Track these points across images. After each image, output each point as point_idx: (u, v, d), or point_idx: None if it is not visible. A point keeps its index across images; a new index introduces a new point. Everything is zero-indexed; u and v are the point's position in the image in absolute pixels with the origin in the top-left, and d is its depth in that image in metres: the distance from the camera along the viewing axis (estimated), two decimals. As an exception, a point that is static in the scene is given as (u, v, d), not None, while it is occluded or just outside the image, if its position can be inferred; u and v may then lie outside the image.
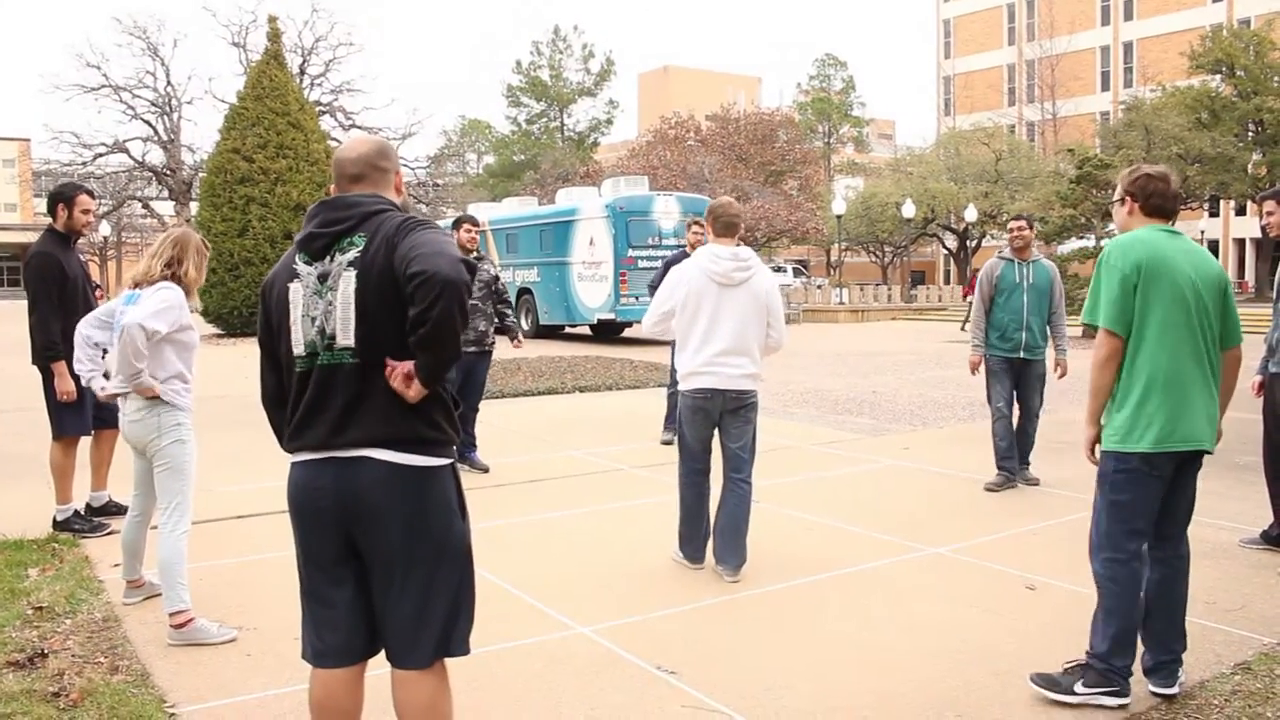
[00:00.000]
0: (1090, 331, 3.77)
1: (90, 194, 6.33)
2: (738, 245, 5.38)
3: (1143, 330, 3.64)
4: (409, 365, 2.57)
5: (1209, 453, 3.76)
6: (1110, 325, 3.64)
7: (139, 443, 4.64)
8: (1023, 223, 7.50)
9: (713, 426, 5.40)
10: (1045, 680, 3.75)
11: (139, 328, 4.38)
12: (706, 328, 5.25)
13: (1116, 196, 3.94)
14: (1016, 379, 7.48)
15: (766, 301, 5.34)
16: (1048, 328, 7.47)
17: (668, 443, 9.24)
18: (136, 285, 4.62)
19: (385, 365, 2.60)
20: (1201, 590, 4.91)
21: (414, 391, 2.58)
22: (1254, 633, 4.43)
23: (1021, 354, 7.38)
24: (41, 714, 3.60)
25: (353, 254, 2.62)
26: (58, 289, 6.04)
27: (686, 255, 8.64)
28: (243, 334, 24.75)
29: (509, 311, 8.46)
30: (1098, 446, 3.77)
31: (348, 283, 2.61)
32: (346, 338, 2.61)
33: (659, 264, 9.50)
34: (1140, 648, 3.78)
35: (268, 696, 3.82)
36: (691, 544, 5.50)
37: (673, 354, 9.28)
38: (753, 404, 5.38)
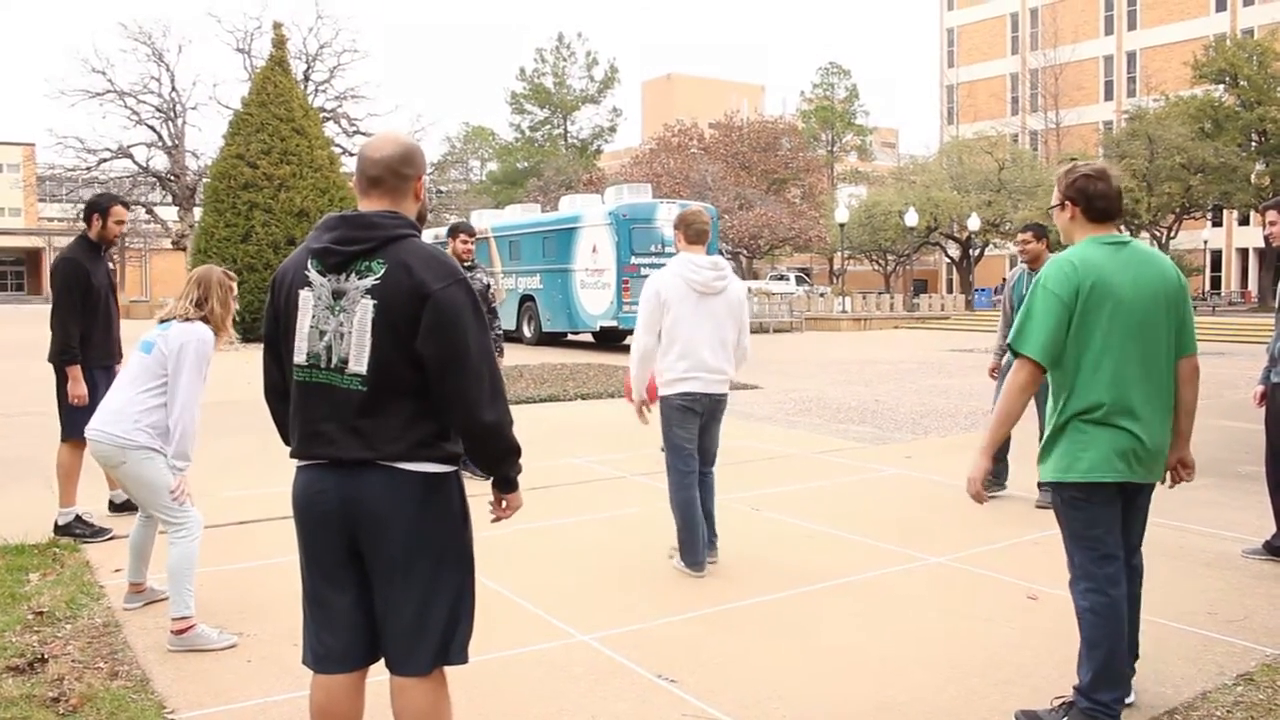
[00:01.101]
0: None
1: (125, 205, 6.54)
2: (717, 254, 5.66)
3: (1080, 358, 3.42)
4: (500, 503, 2.86)
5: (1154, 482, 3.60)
6: (1036, 355, 3.39)
7: (105, 462, 4.61)
8: (1028, 234, 7.37)
9: (698, 425, 5.58)
10: (1029, 718, 3.63)
11: (184, 419, 4.42)
12: (689, 334, 5.43)
13: (1055, 201, 3.65)
14: None
15: (740, 309, 5.61)
16: None
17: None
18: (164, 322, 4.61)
19: (395, 393, 2.61)
20: (1204, 601, 4.90)
21: (515, 506, 2.88)
22: (1257, 643, 4.42)
23: None
24: (41, 719, 3.59)
25: (371, 280, 2.60)
26: (81, 295, 6.18)
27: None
28: (246, 340, 24.74)
29: (496, 321, 8.42)
30: (984, 480, 3.54)
31: (365, 311, 2.60)
32: (359, 365, 2.61)
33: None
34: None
35: (268, 703, 3.81)
36: (693, 551, 5.50)
37: None
38: (725, 404, 5.70)
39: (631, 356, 5.65)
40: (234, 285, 4.75)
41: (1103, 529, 3.50)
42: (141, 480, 4.48)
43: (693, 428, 5.55)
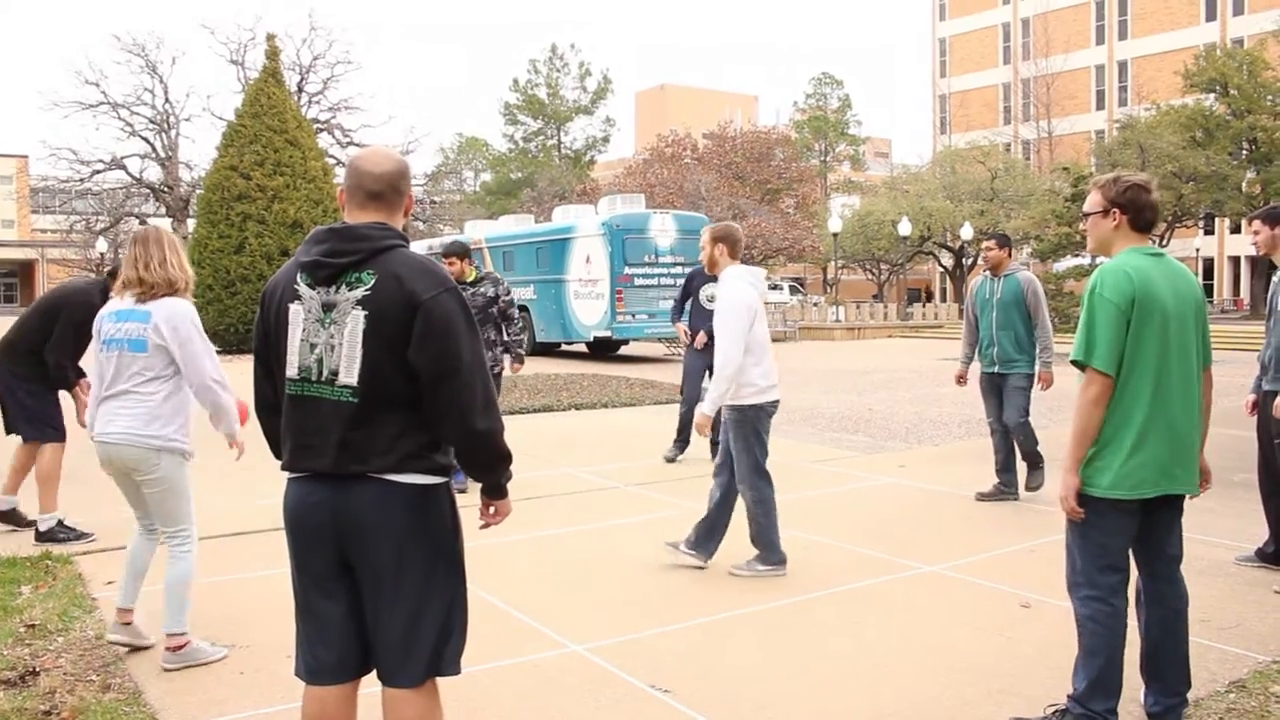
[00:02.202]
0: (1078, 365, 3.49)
1: None
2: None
3: (1130, 368, 3.40)
4: (489, 509, 2.88)
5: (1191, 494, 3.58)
6: (1104, 366, 3.38)
7: (127, 465, 4.31)
8: (991, 242, 7.71)
9: None
10: None
11: (216, 389, 4.34)
12: (764, 344, 5.61)
13: (1097, 208, 3.60)
14: (999, 393, 7.59)
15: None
16: (1034, 339, 7.47)
17: (671, 460, 9.33)
18: (141, 299, 4.30)
19: (386, 405, 2.62)
20: (1197, 608, 4.88)
21: (504, 513, 2.90)
22: (1249, 650, 4.43)
23: (997, 368, 7.53)
24: (32, 733, 3.58)
25: (361, 291, 2.61)
26: (75, 330, 6.01)
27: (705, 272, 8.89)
28: (239, 351, 24.73)
29: (511, 330, 8.32)
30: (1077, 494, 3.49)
31: (356, 322, 2.60)
32: (350, 377, 2.62)
33: (656, 281, 9.35)
34: (1142, 689, 3.68)
35: (259, 715, 3.81)
36: (778, 548, 5.68)
37: (687, 374, 9.29)
38: None
39: (728, 374, 5.43)
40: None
41: (1118, 539, 3.49)
42: (170, 486, 4.32)
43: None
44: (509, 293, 8.38)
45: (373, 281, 2.61)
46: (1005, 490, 7.58)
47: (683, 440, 9.38)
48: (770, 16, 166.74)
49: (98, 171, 42.29)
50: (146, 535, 4.57)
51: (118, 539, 5.95)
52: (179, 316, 4.28)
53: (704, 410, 5.55)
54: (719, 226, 5.90)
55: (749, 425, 5.58)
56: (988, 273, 7.71)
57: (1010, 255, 7.67)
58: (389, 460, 2.62)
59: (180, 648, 4.26)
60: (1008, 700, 3.90)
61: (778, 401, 5.71)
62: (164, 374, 4.31)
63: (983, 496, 7.59)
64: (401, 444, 2.63)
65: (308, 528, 2.70)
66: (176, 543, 4.35)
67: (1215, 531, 6.39)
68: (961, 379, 8.02)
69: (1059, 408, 12.05)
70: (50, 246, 58.14)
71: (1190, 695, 3.85)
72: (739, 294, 5.54)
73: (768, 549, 5.66)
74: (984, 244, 7.83)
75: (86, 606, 5.03)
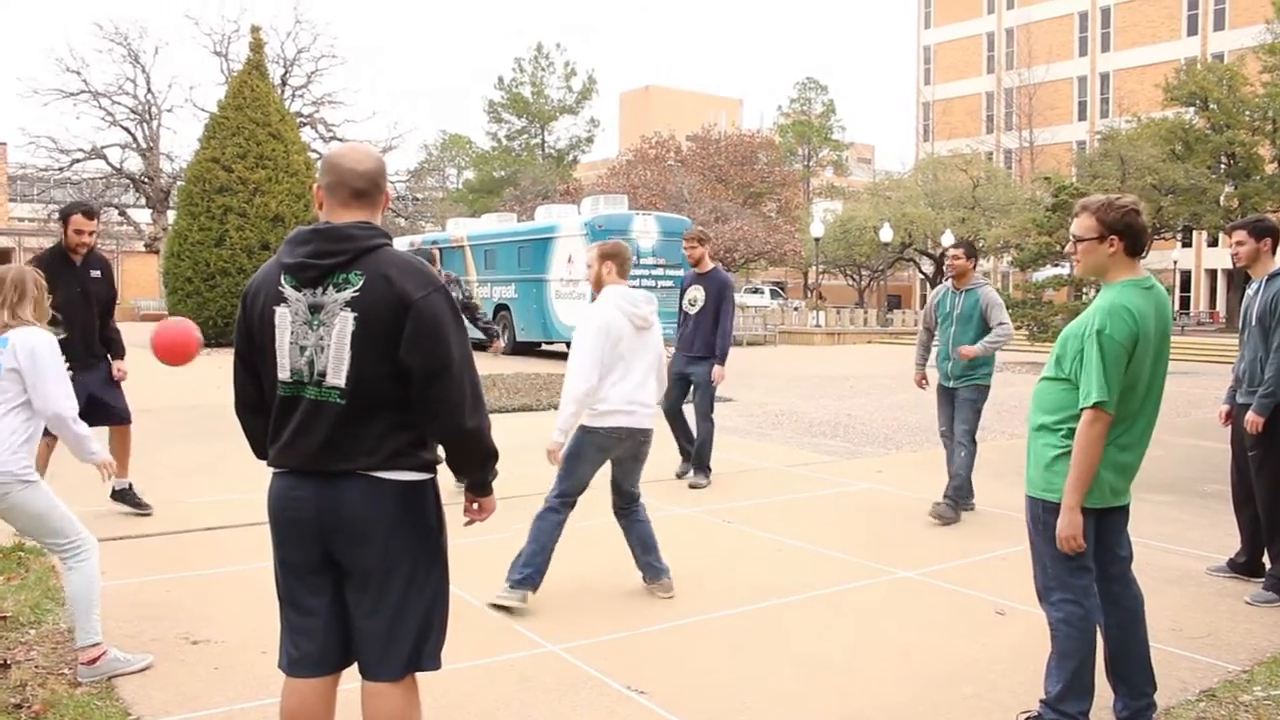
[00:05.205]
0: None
1: (88, 215, 6.50)
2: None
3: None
4: (473, 506, 2.91)
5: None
6: (1112, 409, 3.44)
7: None
8: (959, 251, 7.47)
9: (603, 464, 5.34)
10: None
11: (68, 420, 4.07)
12: (625, 368, 5.18)
13: (1092, 234, 3.54)
14: (952, 405, 7.45)
15: (661, 343, 5.46)
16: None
17: (697, 485, 8.49)
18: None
19: (373, 406, 2.63)
20: (1168, 617, 4.95)
21: (489, 510, 2.93)
22: (1220, 660, 4.47)
23: (951, 382, 7.38)
24: (3, 725, 3.56)
25: (349, 293, 2.60)
26: None
27: (695, 272, 9.18)
28: (218, 344, 24.57)
29: (480, 318, 8.61)
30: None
31: (345, 323, 2.60)
32: (337, 378, 2.61)
33: (637, 283, 9.38)
34: (1112, 695, 3.72)
35: (234, 710, 3.79)
36: (517, 571, 5.12)
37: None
38: (650, 442, 5.41)
39: (574, 395, 5.04)
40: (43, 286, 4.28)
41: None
42: (28, 512, 4.05)
43: (598, 467, 5.31)
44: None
45: (361, 282, 2.60)
46: (966, 500, 7.49)
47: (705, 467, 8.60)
48: (757, 20, 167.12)
49: (77, 160, 41.83)
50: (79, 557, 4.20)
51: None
52: (31, 343, 4.05)
53: (554, 437, 5.16)
54: (608, 244, 5.47)
55: (578, 447, 5.23)
56: (950, 284, 7.51)
57: (974, 267, 7.46)
58: (375, 459, 2.63)
59: (96, 659, 4.04)
60: (980, 706, 3.93)
61: (620, 430, 5.17)
62: (14, 405, 4.05)
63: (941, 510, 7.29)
64: (387, 442, 2.63)
65: (291, 522, 2.70)
66: (69, 555, 4.11)
67: (1188, 542, 6.45)
68: (922, 381, 7.75)
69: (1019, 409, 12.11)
70: (28, 235, 57.64)
71: (1161, 703, 3.90)
72: (591, 318, 5.16)
73: (520, 565, 5.12)
74: (950, 251, 7.56)
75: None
